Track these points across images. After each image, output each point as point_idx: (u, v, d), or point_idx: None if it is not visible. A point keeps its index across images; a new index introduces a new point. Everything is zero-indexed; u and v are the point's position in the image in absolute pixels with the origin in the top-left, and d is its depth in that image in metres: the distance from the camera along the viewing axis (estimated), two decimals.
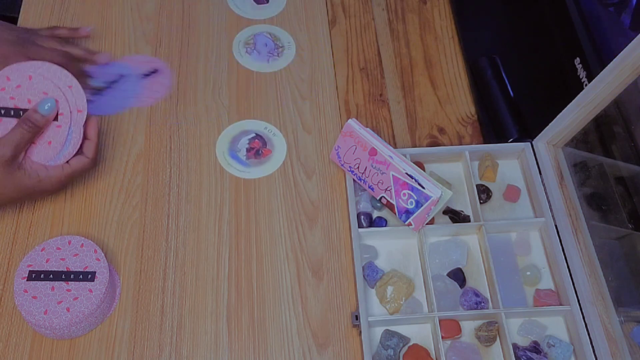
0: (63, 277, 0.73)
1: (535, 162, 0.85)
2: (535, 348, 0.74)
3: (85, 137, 0.77)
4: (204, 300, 0.77)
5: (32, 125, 0.72)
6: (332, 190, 0.86)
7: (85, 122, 0.77)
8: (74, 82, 0.76)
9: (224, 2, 1.03)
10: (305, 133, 0.90)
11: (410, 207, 0.77)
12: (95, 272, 0.73)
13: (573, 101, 0.78)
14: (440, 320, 0.74)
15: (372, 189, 0.81)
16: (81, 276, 0.73)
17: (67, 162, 0.76)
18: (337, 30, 1.01)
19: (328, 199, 0.85)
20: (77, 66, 0.87)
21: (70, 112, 0.76)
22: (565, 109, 0.79)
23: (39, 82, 0.75)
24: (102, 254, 0.75)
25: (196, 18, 1.01)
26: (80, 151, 0.77)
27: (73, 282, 0.72)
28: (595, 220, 0.81)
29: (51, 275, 0.73)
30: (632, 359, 0.71)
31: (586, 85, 0.83)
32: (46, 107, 0.73)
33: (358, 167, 0.81)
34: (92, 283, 0.72)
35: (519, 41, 1.00)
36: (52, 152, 0.75)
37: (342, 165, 0.83)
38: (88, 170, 0.78)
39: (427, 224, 0.80)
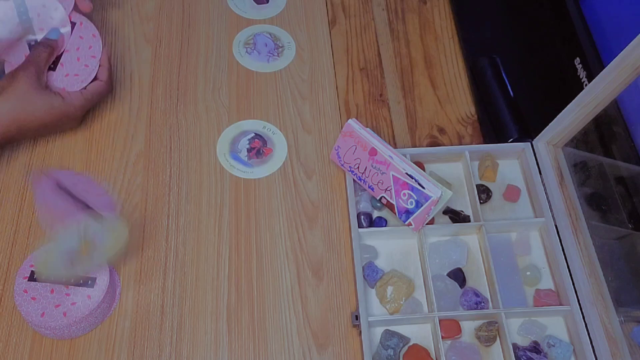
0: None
1: (535, 162, 0.85)
2: (535, 348, 0.74)
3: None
4: (204, 300, 0.77)
5: (46, 45, 0.82)
6: (332, 190, 0.86)
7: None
8: (82, 19, 0.87)
9: (224, 2, 1.03)
10: (305, 133, 0.90)
11: (410, 207, 0.77)
12: (95, 278, 0.73)
13: (573, 101, 0.78)
14: (440, 320, 0.74)
15: (372, 189, 0.81)
16: (81, 281, 0.72)
17: (85, 87, 0.84)
18: (337, 30, 1.01)
19: (328, 199, 0.85)
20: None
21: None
22: (565, 109, 0.79)
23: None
24: None
25: (196, 18, 1.01)
26: (95, 78, 0.85)
27: (72, 287, 0.72)
28: (595, 220, 0.81)
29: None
30: (632, 359, 0.71)
31: (586, 85, 0.83)
32: (53, 34, 0.83)
33: (358, 167, 0.81)
34: (92, 289, 0.72)
35: (519, 41, 1.00)
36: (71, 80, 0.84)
37: (342, 165, 0.83)
38: (105, 93, 0.86)
39: (427, 224, 0.80)
